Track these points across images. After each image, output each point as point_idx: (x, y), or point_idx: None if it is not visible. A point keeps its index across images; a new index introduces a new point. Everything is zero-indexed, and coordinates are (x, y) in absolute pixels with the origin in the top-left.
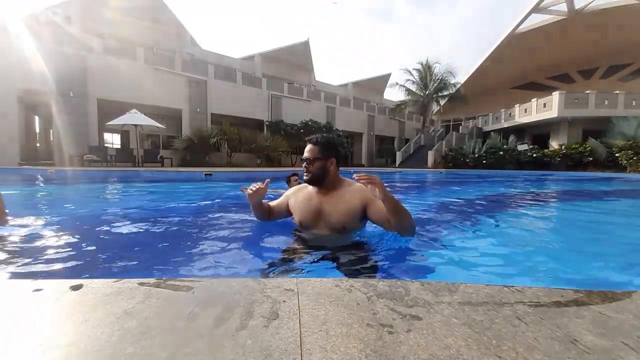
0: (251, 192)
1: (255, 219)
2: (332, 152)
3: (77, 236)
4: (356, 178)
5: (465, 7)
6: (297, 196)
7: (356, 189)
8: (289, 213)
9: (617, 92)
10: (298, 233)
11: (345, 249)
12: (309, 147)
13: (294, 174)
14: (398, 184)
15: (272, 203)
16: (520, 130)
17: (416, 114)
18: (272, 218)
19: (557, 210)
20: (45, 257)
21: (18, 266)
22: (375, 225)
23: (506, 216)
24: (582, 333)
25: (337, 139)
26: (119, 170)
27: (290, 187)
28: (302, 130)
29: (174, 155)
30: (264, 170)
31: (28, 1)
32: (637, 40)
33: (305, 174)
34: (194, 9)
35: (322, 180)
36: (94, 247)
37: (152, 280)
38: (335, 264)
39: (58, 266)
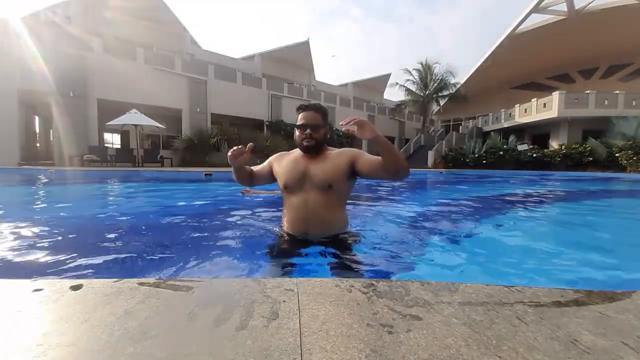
0: (231, 154)
1: (254, 218)
2: (326, 118)
3: (77, 236)
4: (343, 124)
5: (466, 7)
6: (281, 161)
7: (342, 150)
8: (271, 178)
9: (617, 92)
10: (285, 209)
11: (343, 246)
12: (311, 114)
13: None
14: (398, 184)
15: (255, 168)
16: (520, 130)
17: (416, 114)
18: (255, 182)
19: (557, 210)
20: (45, 257)
21: (18, 266)
22: (373, 227)
23: (506, 216)
24: (582, 333)
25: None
26: (119, 170)
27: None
28: None
29: (174, 155)
30: None
31: (28, 1)
32: (637, 40)
33: (306, 140)
34: (194, 9)
35: (321, 147)
36: (94, 247)
37: (152, 280)
38: (333, 262)
39: (58, 266)
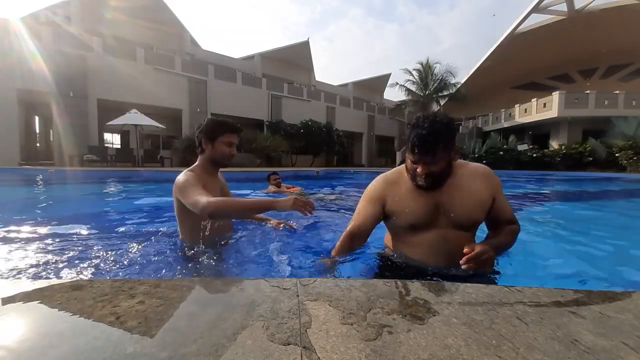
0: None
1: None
2: (454, 137)
3: (77, 236)
4: (462, 264)
5: (466, 7)
6: (395, 193)
7: (475, 171)
8: (380, 219)
9: (617, 92)
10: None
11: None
12: (429, 151)
13: (274, 173)
14: None
15: (358, 226)
16: (520, 130)
17: (416, 114)
18: (356, 245)
19: (557, 210)
20: (45, 257)
21: (18, 266)
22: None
23: None
24: (582, 333)
25: (448, 119)
26: (118, 170)
27: (270, 185)
28: (302, 130)
29: (174, 155)
30: (264, 170)
31: (28, 1)
32: (637, 40)
33: (421, 178)
34: (194, 9)
35: (446, 179)
36: (94, 247)
37: (152, 280)
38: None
39: (58, 266)
